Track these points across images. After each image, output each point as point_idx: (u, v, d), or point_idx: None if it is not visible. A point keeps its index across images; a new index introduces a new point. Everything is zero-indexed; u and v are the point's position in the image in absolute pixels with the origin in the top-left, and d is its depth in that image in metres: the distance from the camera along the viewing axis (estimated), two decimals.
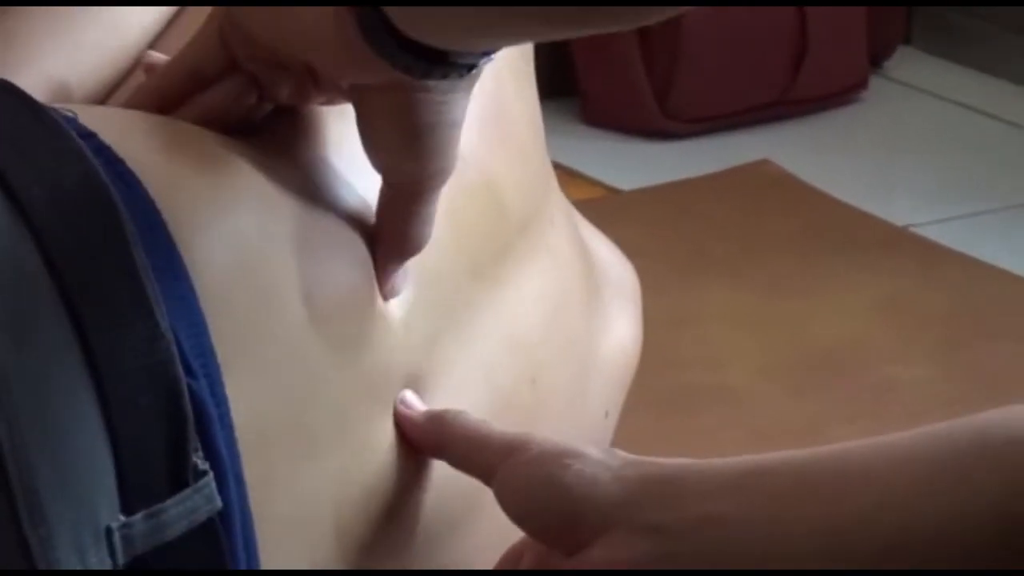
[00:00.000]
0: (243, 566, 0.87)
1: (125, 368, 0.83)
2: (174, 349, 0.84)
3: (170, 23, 1.09)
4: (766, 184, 2.02)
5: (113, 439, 0.82)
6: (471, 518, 1.02)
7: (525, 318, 1.13)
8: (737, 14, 2.12)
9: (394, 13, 0.86)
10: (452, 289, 1.05)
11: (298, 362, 0.93)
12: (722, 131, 2.17)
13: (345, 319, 0.96)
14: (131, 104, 0.99)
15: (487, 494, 0.98)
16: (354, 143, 0.96)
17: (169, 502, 0.84)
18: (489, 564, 1.10)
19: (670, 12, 0.80)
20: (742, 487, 0.92)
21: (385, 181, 0.97)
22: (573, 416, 1.21)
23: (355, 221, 0.98)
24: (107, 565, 0.82)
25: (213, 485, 0.85)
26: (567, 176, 1.95)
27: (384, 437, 1.00)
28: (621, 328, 1.33)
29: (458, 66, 0.90)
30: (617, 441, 1.31)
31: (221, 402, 0.86)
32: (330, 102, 0.97)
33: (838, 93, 2.27)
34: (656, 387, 1.46)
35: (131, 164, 0.88)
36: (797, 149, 2.11)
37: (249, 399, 0.88)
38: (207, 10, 1.05)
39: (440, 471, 1.02)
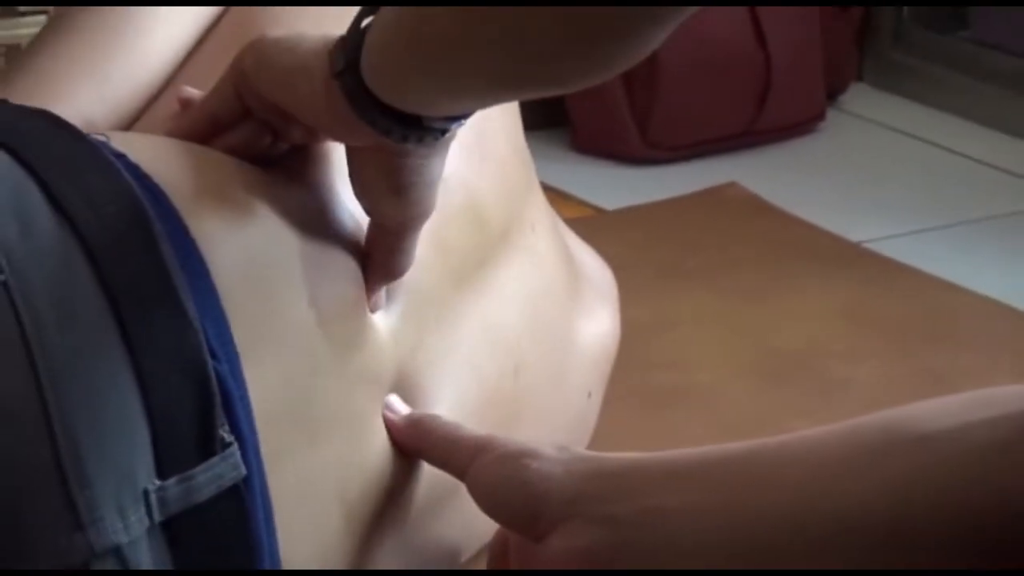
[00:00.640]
0: (263, 528, 0.88)
1: (159, 351, 0.84)
2: (201, 336, 0.85)
3: (189, 58, 1.10)
4: (734, 205, 2.02)
5: (149, 413, 0.83)
6: (456, 495, 1.03)
7: (506, 316, 1.14)
8: (710, 54, 2.12)
9: (367, 76, 0.87)
10: (436, 299, 1.06)
11: (302, 356, 0.94)
12: (695, 158, 2.17)
13: (341, 323, 0.97)
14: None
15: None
16: None
17: (199, 468, 0.85)
18: (473, 536, 1.12)
19: (606, 75, 0.80)
20: (685, 480, 0.93)
21: (372, 219, 0.98)
22: (556, 399, 1.22)
23: (350, 242, 0.99)
24: (145, 524, 0.83)
25: (238, 454, 0.86)
26: (559, 197, 1.96)
27: (378, 425, 1.01)
28: (601, 320, 1.34)
29: (432, 130, 0.91)
30: (599, 433, 1.32)
31: (241, 384, 0.87)
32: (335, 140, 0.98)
33: (798, 124, 2.27)
34: (635, 385, 1.48)
35: (158, 180, 0.90)
36: (762, 173, 2.11)
37: (260, 386, 0.89)
38: (224, 46, 1.06)
39: None
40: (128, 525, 0.82)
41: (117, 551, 0.82)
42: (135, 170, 0.89)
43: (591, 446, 1.30)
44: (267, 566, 0.88)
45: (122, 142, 0.92)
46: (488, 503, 0.98)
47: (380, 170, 0.95)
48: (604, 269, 1.42)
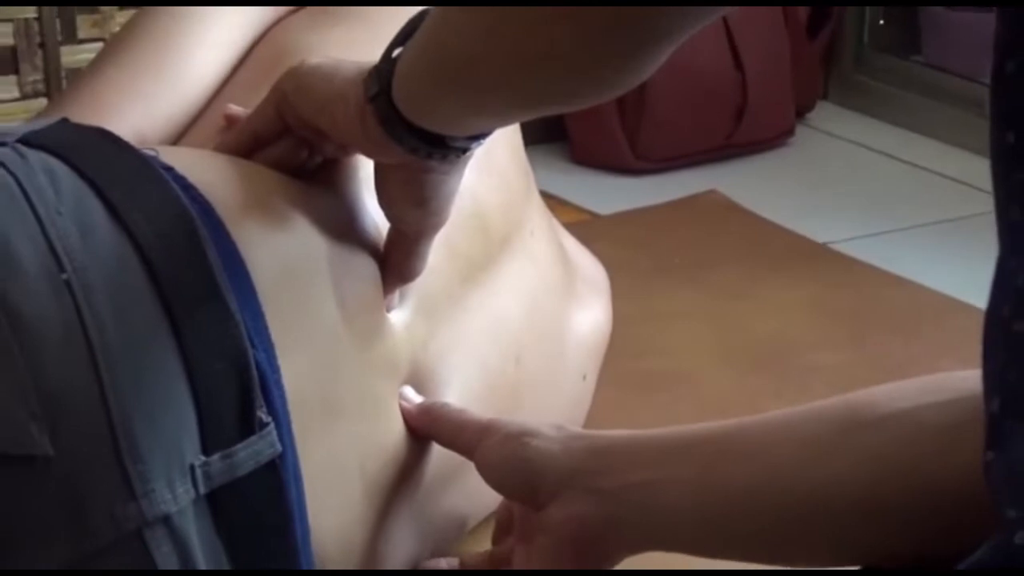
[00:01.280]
0: (295, 498, 0.88)
1: (204, 341, 0.84)
2: (243, 328, 0.85)
3: (228, 79, 1.10)
4: (714, 210, 2.02)
5: (195, 396, 0.84)
6: (464, 470, 1.03)
7: (508, 310, 1.14)
8: (692, 77, 2.12)
9: (398, 101, 0.87)
10: (446, 297, 1.06)
11: (328, 347, 0.94)
12: (679, 168, 2.17)
13: (362, 318, 0.97)
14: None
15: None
16: None
17: (239, 446, 0.85)
18: (479, 506, 1.12)
19: (617, 93, 0.80)
20: (668, 456, 0.93)
21: (393, 226, 0.98)
22: (554, 383, 1.22)
23: (372, 247, 0.99)
24: (191, 495, 0.83)
25: (274, 433, 0.86)
26: (558, 204, 1.97)
27: (395, 409, 1.01)
28: (595, 311, 1.34)
29: (455, 149, 0.91)
30: (593, 413, 1.32)
31: (276, 370, 0.87)
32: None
33: (771, 138, 2.27)
34: (626, 371, 1.48)
35: (202, 190, 0.90)
36: (739, 182, 2.11)
37: (291, 372, 0.89)
38: (261, 69, 1.06)
39: None
40: (176, 496, 0.82)
41: (167, 519, 0.82)
42: (182, 181, 0.89)
43: (586, 424, 1.30)
44: (298, 533, 0.88)
45: (170, 156, 0.93)
46: (494, 479, 0.99)
47: (404, 184, 0.95)
48: (597, 266, 1.42)
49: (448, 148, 0.91)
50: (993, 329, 0.63)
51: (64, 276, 0.81)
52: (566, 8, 0.72)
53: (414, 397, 1.02)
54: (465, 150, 0.92)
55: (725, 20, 2.13)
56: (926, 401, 0.85)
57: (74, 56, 1.85)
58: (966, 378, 0.83)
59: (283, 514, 0.87)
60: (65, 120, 0.95)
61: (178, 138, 1.06)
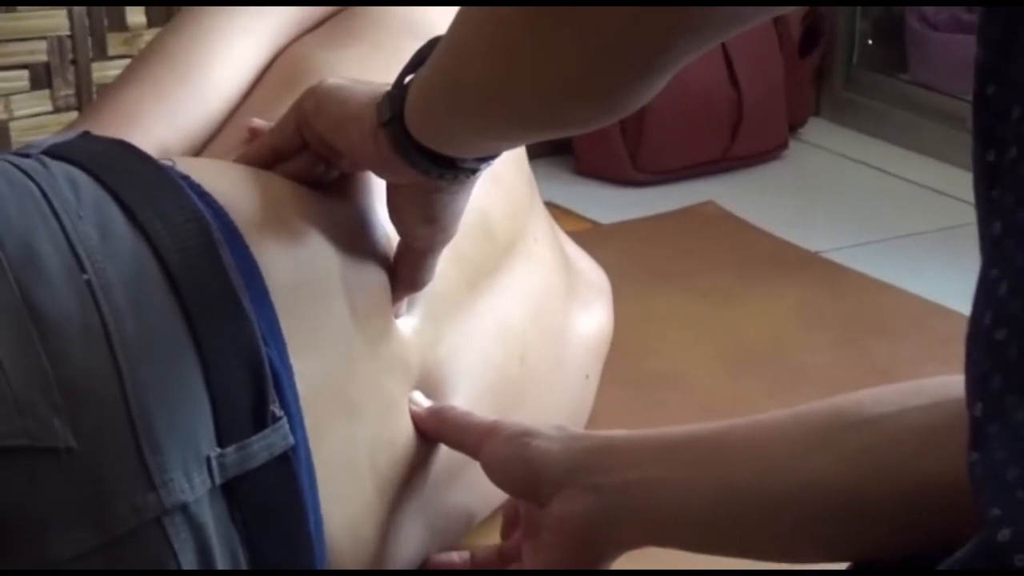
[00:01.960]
0: (307, 490, 0.87)
1: (219, 337, 0.84)
2: (256, 326, 0.85)
3: (247, 94, 1.09)
4: (711, 220, 2.01)
5: (211, 391, 0.83)
6: (469, 468, 1.03)
7: (512, 313, 1.13)
8: (690, 94, 2.11)
9: (411, 125, 0.87)
10: (453, 301, 1.06)
11: (338, 347, 0.94)
12: (678, 180, 2.16)
13: (371, 321, 0.97)
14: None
15: None
16: None
17: (253, 438, 0.85)
18: (484, 505, 1.12)
19: (622, 115, 0.79)
20: (663, 455, 0.92)
21: (402, 240, 0.97)
22: (556, 381, 1.22)
23: (382, 256, 0.99)
24: (207, 485, 0.83)
25: (287, 426, 0.86)
26: (562, 213, 1.96)
27: (405, 408, 1.01)
28: (596, 313, 1.33)
29: (465, 170, 0.90)
30: (595, 412, 1.32)
31: (288, 368, 0.87)
32: None
33: (765, 152, 2.26)
34: (626, 372, 1.47)
35: (217, 197, 0.90)
36: (734, 194, 2.10)
37: (303, 370, 0.88)
38: (280, 80, 1.06)
39: None
40: (193, 486, 0.82)
41: (184, 508, 0.82)
42: (197, 188, 0.90)
43: (589, 423, 1.30)
44: (311, 523, 0.88)
45: (186, 166, 0.93)
46: (498, 478, 0.98)
47: (415, 202, 0.95)
48: (598, 271, 1.42)
49: (459, 169, 0.91)
50: (976, 336, 0.62)
51: (85, 277, 0.82)
52: (574, 37, 0.71)
53: (423, 401, 1.02)
54: (475, 171, 0.92)
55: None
56: (910, 404, 0.84)
57: (105, 72, 1.85)
58: (947, 383, 0.83)
59: (296, 504, 0.87)
60: (87, 133, 0.95)
61: (199, 151, 1.06)
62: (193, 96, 1.06)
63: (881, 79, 2.43)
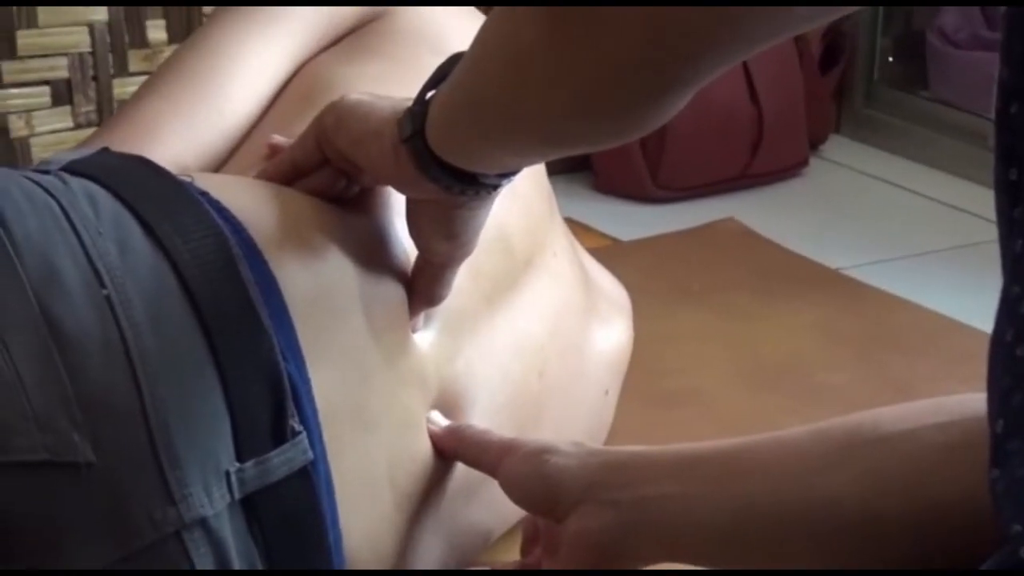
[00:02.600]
0: (326, 504, 0.87)
1: (238, 353, 0.84)
2: (274, 341, 0.85)
3: (266, 110, 1.09)
4: (731, 237, 2.01)
5: (230, 406, 0.83)
6: (488, 485, 1.03)
7: (531, 328, 1.13)
8: (710, 111, 2.11)
9: (432, 141, 0.87)
10: (471, 316, 1.06)
11: (356, 362, 0.93)
12: (698, 197, 2.16)
13: (389, 336, 0.97)
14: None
15: None
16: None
17: (273, 453, 0.85)
18: (501, 521, 1.12)
19: (643, 133, 0.79)
20: (681, 471, 0.92)
21: (421, 255, 0.97)
22: (575, 396, 1.21)
23: (400, 271, 0.99)
24: (227, 499, 0.83)
25: (306, 441, 0.86)
26: (582, 229, 1.96)
27: (423, 422, 1.00)
28: (616, 329, 1.33)
29: (486, 186, 0.90)
30: (615, 428, 1.32)
31: (307, 382, 0.87)
32: None
33: (785, 169, 2.26)
34: (645, 389, 1.47)
35: (235, 213, 0.90)
36: (755, 211, 2.10)
37: (322, 385, 0.88)
38: (299, 96, 1.06)
39: None
40: (212, 500, 0.82)
41: (203, 522, 0.82)
42: (216, 204, 0.90)
43: (609, 439, 1.30)
44: (330, 537, 0.88)
45: (205, 181, 0.93)
46: (516, 495, 0.98)
47: (435, 217, 0.95)
48: (618, 287, 1.41)
49: (480, 185, 0.91)
50: (997, 354, 0.62)
51: (105, 292, 0.82)
52: (595, 56, 0.71)
53: (441, 421, 1.02)
54: (496, 187, 0.92)
55: None
56: (929, 422, 0.84)
57: (125, 88, 1.86)
58: (965, 401, 0.83)
59: (315, 518, 0.87)
60: (105, 149, 0.95)
61: (218, 167, 1.06)
62: (211, 111, 1.06)
63: (901, 96, 2.43)
